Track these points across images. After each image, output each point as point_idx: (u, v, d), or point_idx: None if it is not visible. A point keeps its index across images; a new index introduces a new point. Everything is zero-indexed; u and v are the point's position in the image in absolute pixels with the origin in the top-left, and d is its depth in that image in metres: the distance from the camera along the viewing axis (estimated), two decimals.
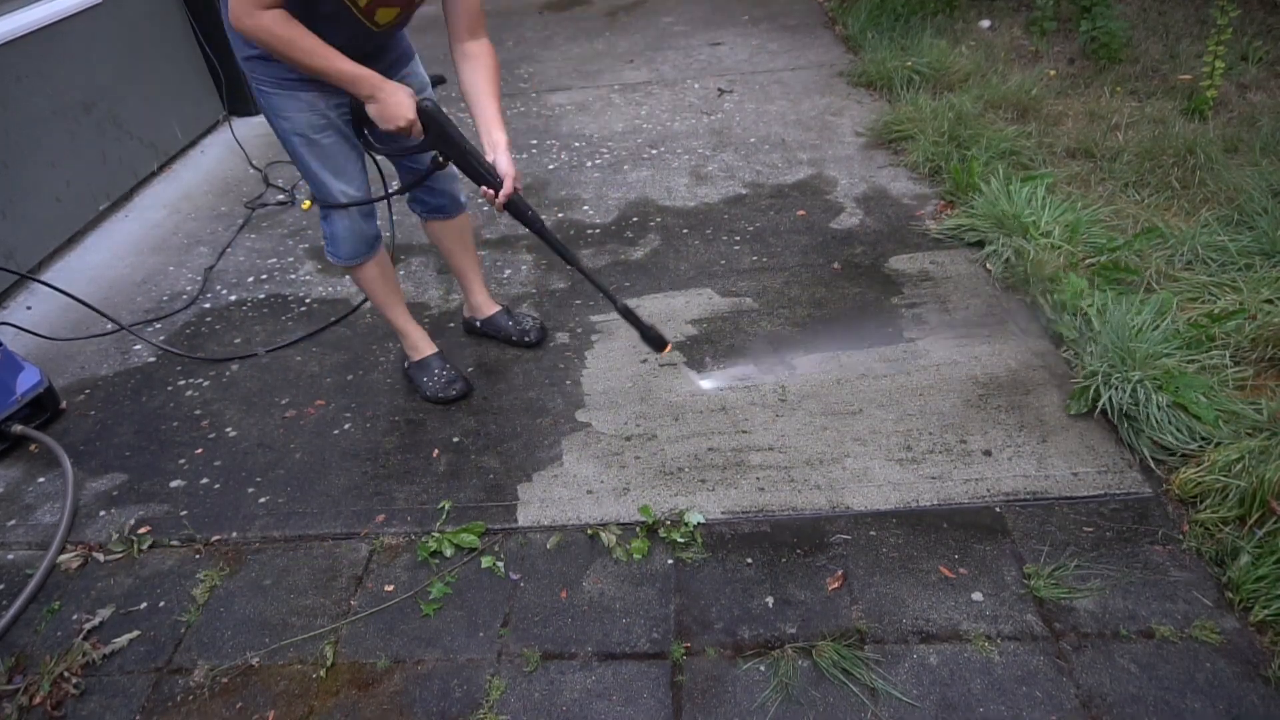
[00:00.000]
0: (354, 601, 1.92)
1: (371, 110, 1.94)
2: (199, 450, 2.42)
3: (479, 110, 2.10)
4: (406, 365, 2.59)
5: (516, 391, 2.52)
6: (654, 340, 2.28)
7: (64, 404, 2.64)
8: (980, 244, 2.94)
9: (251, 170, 4.20)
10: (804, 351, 2.55)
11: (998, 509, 1.99)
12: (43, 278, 3.39)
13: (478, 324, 2.77)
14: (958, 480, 2.07)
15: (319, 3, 1.82)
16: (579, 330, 2.77)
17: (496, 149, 2.07)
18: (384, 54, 2.13)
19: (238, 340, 2.90)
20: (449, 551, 2.00)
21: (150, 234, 3.71)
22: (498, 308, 2.75)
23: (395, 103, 1.91)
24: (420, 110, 1.95)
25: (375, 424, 2.45)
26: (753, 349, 2.59)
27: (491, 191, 2.05)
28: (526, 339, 2.69)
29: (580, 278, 2.52)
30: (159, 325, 3.03)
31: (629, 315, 2.26)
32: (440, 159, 2.06)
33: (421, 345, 2.57)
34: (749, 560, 1.92)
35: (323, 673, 1.77)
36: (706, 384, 2.47)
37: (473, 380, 2.57)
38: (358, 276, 2.41)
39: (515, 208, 2.11)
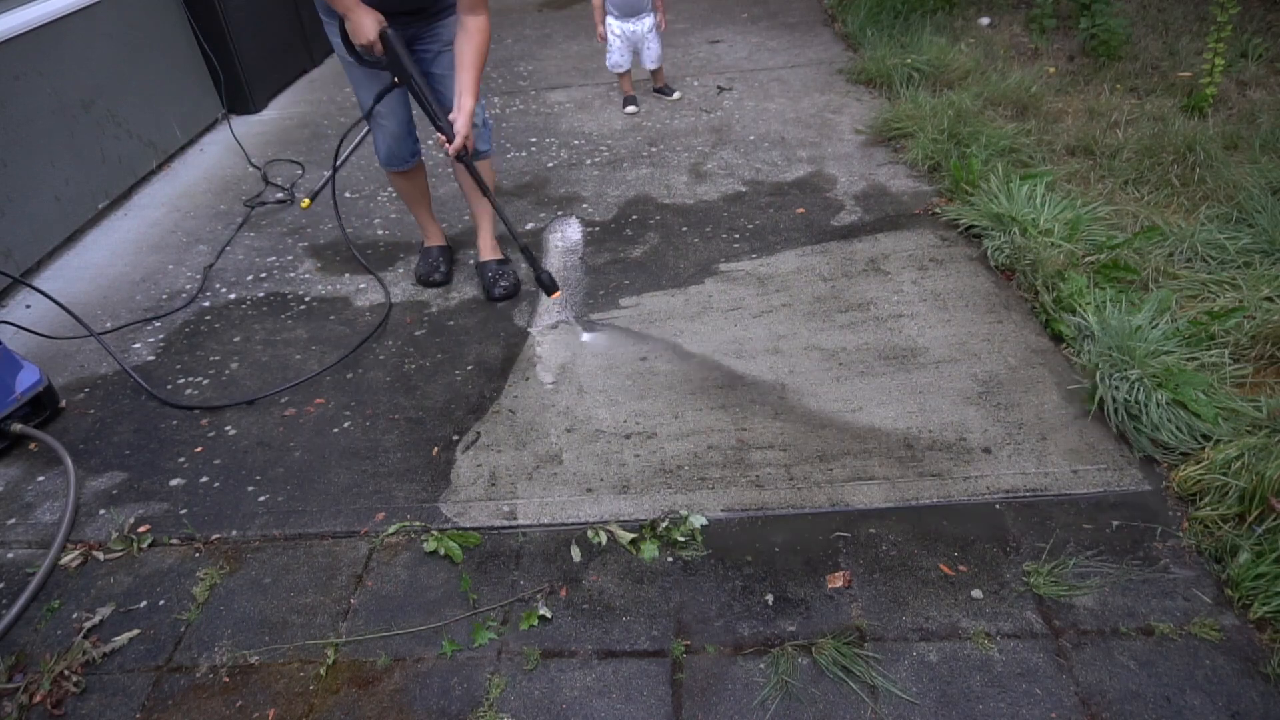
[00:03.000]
0: (354, 600, 1.92)
1: (348, 27, 2.43)
2: (198, 449, 2.42)
3: (458, 76, 2.47)
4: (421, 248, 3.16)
5: (516, 390, 2.52)
6: (546, 284, 2.63)
7: (63, 403, 2.63)
8: (979, 239, 2.94)
9: (250, 169, 4.20)
10: (803, 347, 2.56)
11: (997, 506, 1.99)
12: (42, 276, 3.40)
13: (475, 263, 3.15)
14: (957, 478, 2.07)
15: None
16: (579, 329, 2.77)
17: (461, 110, 2.46)
18: (415, 8, 2.56)
19: (237, 339, 2.90)
20: (447, 551, 2.00)
21: (149, 232, 3.71)
22: (494, 256, 3.07)
23: (359, 23, 2.39)
24: (381, 34, 2.41)
25: (375, 422, 2.45)
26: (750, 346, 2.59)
27: (444, 139, 2.48)
28: (494, 291, 2.97)
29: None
30: (159, 324, 3.03)
31: (527, 254, 2.63)
32: (395, 80, 2.52)
33: (432, 236, 3.16)
34: (749, 558, 1.92)
35: (323, 671, 1.77)
36: (586, 337, 2.71)
37: (453, 278, 3.04)
38: (390, 179, 3.01)
39: (465, 161, 2.53)
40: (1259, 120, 3.45)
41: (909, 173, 3.54)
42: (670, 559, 1.94)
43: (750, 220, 3.31)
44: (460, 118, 2.45)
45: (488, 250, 3.06)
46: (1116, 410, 2.12)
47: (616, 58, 4.34)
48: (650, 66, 4.43)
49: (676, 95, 4.60)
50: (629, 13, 4.22)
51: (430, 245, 3.15)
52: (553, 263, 3.16)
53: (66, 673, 1.79)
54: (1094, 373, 2.22)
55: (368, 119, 2.74)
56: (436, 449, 2.33)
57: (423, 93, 2.45)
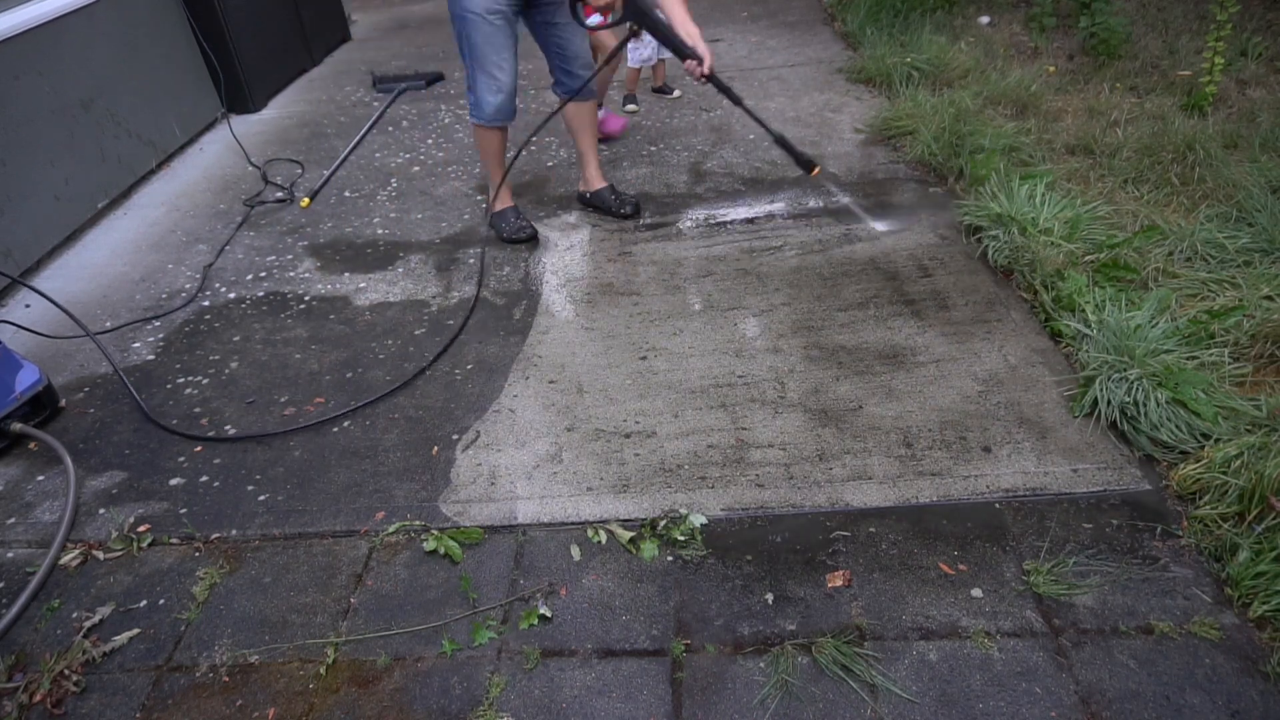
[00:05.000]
0: (354, 599, 1.92)
1: None
2: (198, 448, 2.42)
3: (671, 12, 2.73)
4: (490, 214, 3.37)
5: (516, 390, 2.52)
6: (805, 163, 2.86)
7: (63, 402, 2.63)
8: (979, 238, 2.94)
9: (250, 168, 4.20)
10: (802, 345, 2.56)
11: (997, 505, 1.99)
12: (41, 275, 3.40)
13: (587, 195, 3.47)
14: (957, 477, 2.07)
15: None
16: (579, 329, 2.77)
17: (694, 37, 2.72)
18: None
19: (236, 338, 2.90)
20: (447, 550, 2.00)
21: (149, 232, 3.71)
22: (605, 184, 3.43)
23: None
24: None
25: (374, 421, 2.45)
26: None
27: (693, 63, 2.71)
28: (624, 211, 3.37)
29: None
30: (158, 323, 3.03)
31: (783, 142, 2.88)
32: (635, 29, 2.84)
33: (504, 198, 3.35)
34: (749, 557, 1.92)
35: (323, 670, 1.77)
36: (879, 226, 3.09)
37: (536, 231, 3.30)
38: (480, 134, 3.18)
39: (715, 79, 2.78)
40: (1259, 119, 3.45)
41: (909, 172, 3.54)
42: (670, 558, 1.94)
43: (750, 219, 3.31)
44: (699, 41, 2.72)
45: (598, 180, 3.43)
46: (1116, 409, 2.13)
47: (648, 51, 4.31)
48: (656, 59, 4.42)
49: (676, 94, 4.59)
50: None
51: (504, 207, 3.35)
52: (554, 260, 3.16)
53: (66, 672, 1.79)
54: (1094, 372, 2.22)
55: (480, 81, 2.99)
56: (436, 448, 2.33)
57: (662, 25, 2.74)
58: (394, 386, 2.56)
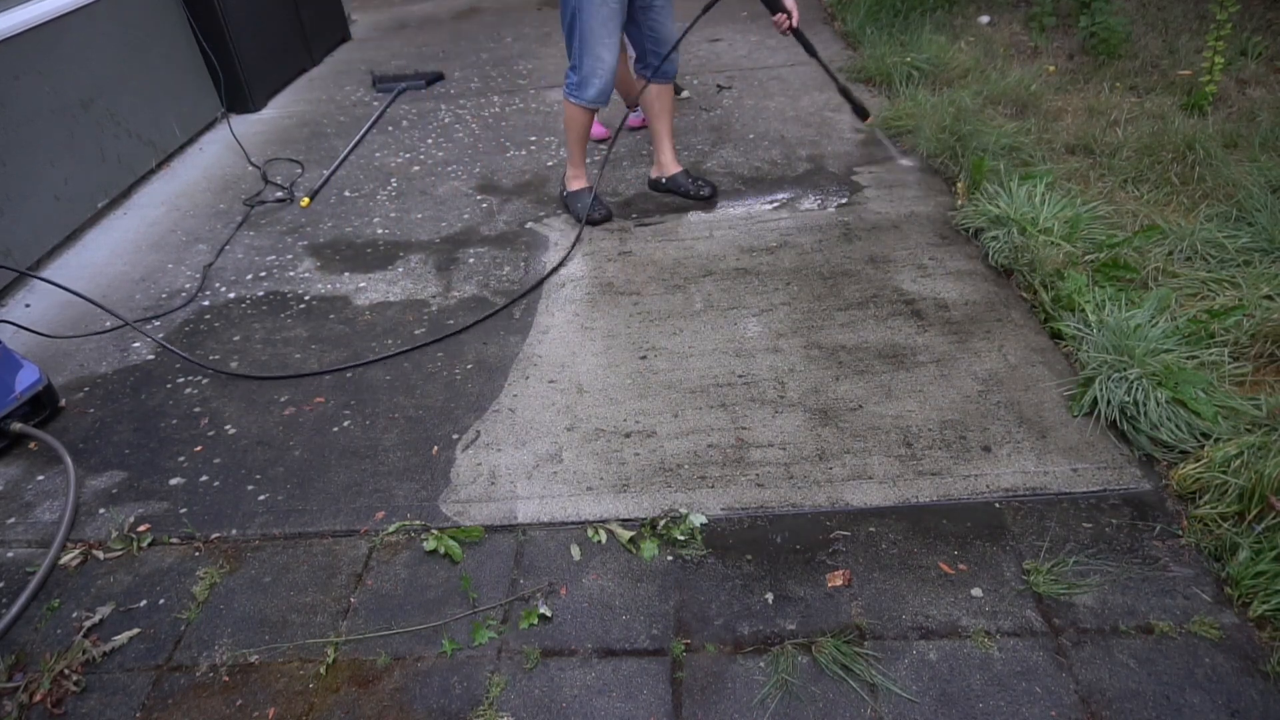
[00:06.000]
0: (354, 599, 1.92)
1: None
2: (198, 448, 2.42)
3: None
4: (564, 193, 3.48)
5: (515, 389, 2.52)
6: (859, 110, 3.59)
7: (63, 402, 2.63)
8: (979, 238, 2.94)
9: (250, 167, 4.20)
10: (803, 345, 2.56)
11: (997, 505, 1.99)
12: (41, 275, 3.40)
13: (663, 181, 3.49)
14: (957, 476, 2.07)
15: None
16: (579, 329, 2.77)
17: None
18: None
19: (236, 338, 2.90)
20: (447, 550, 2.00)
21: (149, 231, 3.71)
22: (680, 168, 3.46)
23: None
24: None
25: (374, 421, 2.45)
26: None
27: (783, 16, 3.12)
28: (702, 193, 3.42)
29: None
30: (158, 323, 3.03)
31: (846, 94, 3.55)
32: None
33: (582, 177, 3.43)
34: (748, 557, 1.92)
35: (323, 670, 1.77)
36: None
37: (612, 212, 3.40)
38: (574, 113, 3.25)
39: (799, 33, 3.24)
40: (1259, 118, 3.45)
41: (909, 171, 3.54)
42: (670, 558, 1.94)
43: (750, 218, 3.31)
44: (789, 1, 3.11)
45: (673, 165, 3.46)
46: (1116, 409, 2.13)
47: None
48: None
49: (685, 94, 4.57)
50: None
51: (581, 188, 3.43)
52: (554, 259, 3.16)
53: (66, 672, 1.79)
54: (1094, 371, 2.22)
55: (592, 64, 3.12)
56: (436, 448, 2.33)
57: None
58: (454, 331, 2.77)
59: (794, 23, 3.11)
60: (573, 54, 3.13)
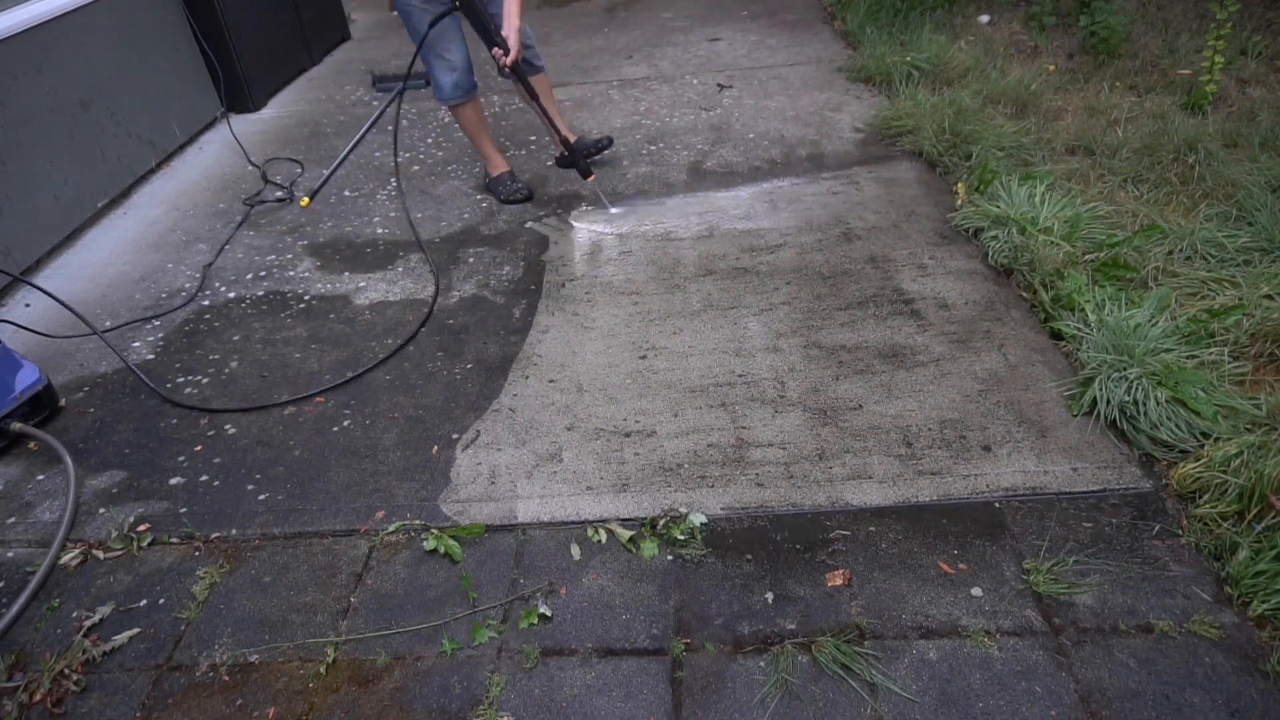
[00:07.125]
0: (354, 598, 1.92)
1: None
2: (198, 447, 2.42)
3: (505, 7, 3.06)
4: (486, 179, 3.70)
5: (515, 389, 2.52)
6: (582, 170, 3.42)
7: (63, 401, 2.63)
8: (979, 237, 2.94)
9: (250, 167, 4.19)
10: (802, 346, 2.56)
11: (997, 504, 1.99)
12: (41, 274, 3.40)
13: (565, 154, 3.60)
14: (957, 476, 2.07)
15: None
16: (579, 329, 2.77)
17: (510, 30, 3.06)
18: None
19: (236, 338, 2.90)
20: (447, 549, 2.00)
21: (149, 231, 3.71)
22: (574, 138, 3.58)
23: None
24: None
25: (374, 421, 2.45)
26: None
27: (500, 52, 3.08)
28: (601, 146, 3.74)
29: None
30: (158, 322, 3.03)
31: (568, 146, 3.42)
32: (456, 5, 3.09)
33: (499, 163, 3.65)
34: (748, 556, 1.92)
35: (323, 669, 1.77)
36: (614, 209, 3.45)
37: (533, 190, 3.63)
38: (457, 113, 3.48)
39: (518, 70, 3.19)
40: (1259, 118, 3.45)
41: (909, 170, 3.54)
42: (670, 557, 1.94)
43: (750, 218, 3.30)
44: (511, 34, 3.05)
45: (570, 134, 3.57)
46: (1115, 408, 2.13)
47: None
48: None
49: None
50: None
51: (500, 173, 3.63)
52: (554, 259, 3.16)
53: (66, 671, 1.79)
54: (1094, 371, 2.22)
55: (435, 65, 3.30)
56: (436, 448, 2.33)
57: (481, 14, 3.02)
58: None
59: (508, 61, 3.09)
60: (428, 66, 3.35)
